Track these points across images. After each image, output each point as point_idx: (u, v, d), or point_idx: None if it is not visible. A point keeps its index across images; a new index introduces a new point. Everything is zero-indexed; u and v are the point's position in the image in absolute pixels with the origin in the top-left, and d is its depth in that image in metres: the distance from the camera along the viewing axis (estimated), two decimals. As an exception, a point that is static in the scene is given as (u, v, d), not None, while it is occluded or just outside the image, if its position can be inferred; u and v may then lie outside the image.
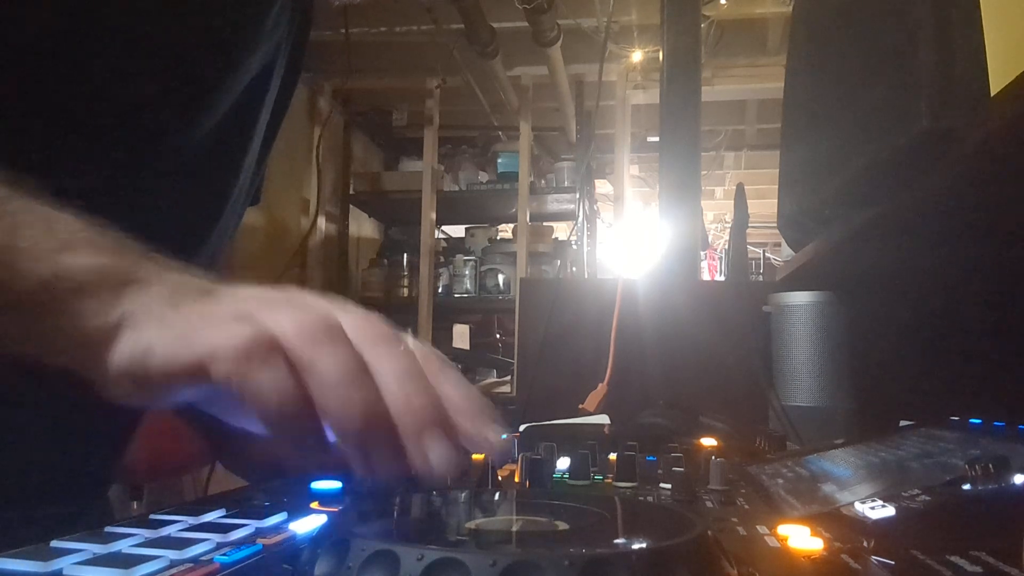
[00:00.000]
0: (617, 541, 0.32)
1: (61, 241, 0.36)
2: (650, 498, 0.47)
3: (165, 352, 0.34)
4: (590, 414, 1.13)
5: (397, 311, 3.62)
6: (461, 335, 3.83)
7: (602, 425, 0.94)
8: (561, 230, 3.82)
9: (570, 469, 0.52)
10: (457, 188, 3.44)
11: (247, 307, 0.35)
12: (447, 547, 0.26)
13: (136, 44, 0.48)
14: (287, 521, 0.35)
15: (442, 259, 3.53)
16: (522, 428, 0.82)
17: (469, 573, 0.24)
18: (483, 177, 3.49)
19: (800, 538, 0.34)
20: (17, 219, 0.35)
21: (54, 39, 0.44)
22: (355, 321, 0.35)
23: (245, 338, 0.33)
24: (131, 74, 0.48)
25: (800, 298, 1.00)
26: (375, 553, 0.26)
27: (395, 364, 0.34)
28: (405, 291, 3.49)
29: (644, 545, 0.29)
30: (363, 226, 3.84)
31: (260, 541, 0.31)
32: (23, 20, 0.43)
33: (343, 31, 2.91)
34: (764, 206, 3.79)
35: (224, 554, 0.29)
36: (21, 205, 0.36)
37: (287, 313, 0.34)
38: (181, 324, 0.34)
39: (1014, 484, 0.39)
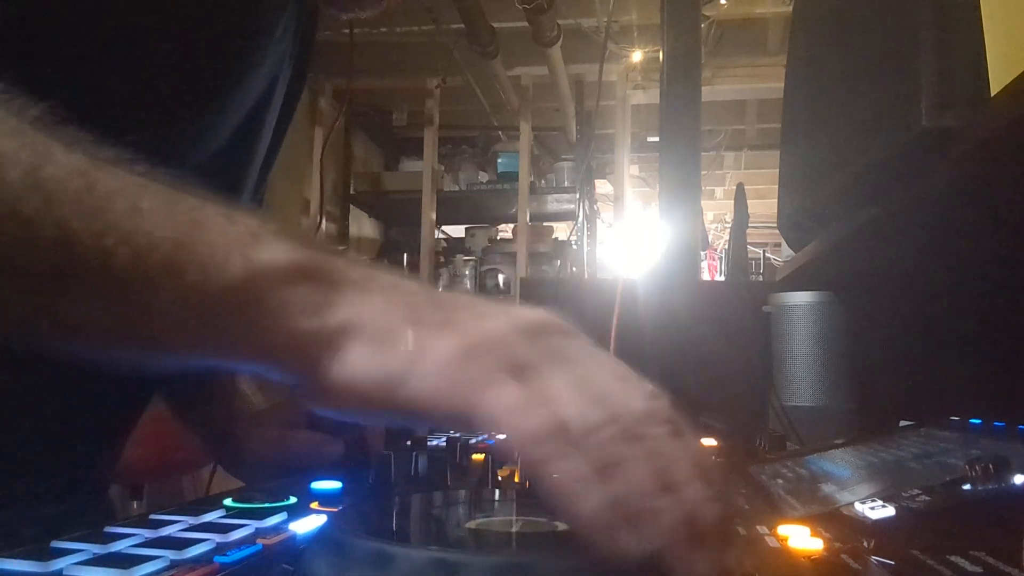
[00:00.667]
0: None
1: (248, 234, 0.33)
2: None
3: (429, 391, 0.31)
4: (590, 414, 1.13)
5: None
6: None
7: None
8: (561, 230, 3.82)
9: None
10: (457, 188, 3.44)
11: (516, 353, 0.32)
12: (442, 547, 0.26)
13: (145, 58, 0.47)
14: (287, 521, 0.35)
15: (442, 259, 3.53)
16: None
17: (461, 574, 0.24)
18: (483, 177, 3.49)
19: (800, 538, 0.34)
20: (195, 215, 0.33)
21: (64, 56, 0.44)
22: (652, 410, 0.32)
23: (538, 428, 0.29)
24: (140, 88, 0.47)
25: (800, 298, 1.00)
26: (370, 553, 0.26)
27: (682, 458, 0.31)
28: (405, 291, 3.49)
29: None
30: (363, 226, 3.84)
31: (260, 541, 0.31)
32: (33, 40, 0.43)
33: (346, 31, 2.91)
34: (764, 206, 3.79)
35: (224, 554, 0.29)
36: (195, 202, 0.33)
37: (577, 394, 0.31)
38: (443, 359, 0.31)
39: (1014, 484, 0.39)
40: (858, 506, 0.40)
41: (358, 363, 0.32)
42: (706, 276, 3.21)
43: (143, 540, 0.30)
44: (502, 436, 0.30)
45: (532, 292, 1.39)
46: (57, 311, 0.31)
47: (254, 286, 0.32)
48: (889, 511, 0.38)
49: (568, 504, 0.28)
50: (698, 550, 0.28)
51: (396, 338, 0.32)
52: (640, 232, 3.15)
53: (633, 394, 0.32)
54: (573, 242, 3.37)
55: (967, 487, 0.40)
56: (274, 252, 0.33)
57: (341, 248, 0.34)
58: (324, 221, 3.35)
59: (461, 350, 0.32)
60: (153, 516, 0.35)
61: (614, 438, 0.30)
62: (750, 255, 4.11)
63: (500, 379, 0.31)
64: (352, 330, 0.32)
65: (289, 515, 0.36)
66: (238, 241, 0.32)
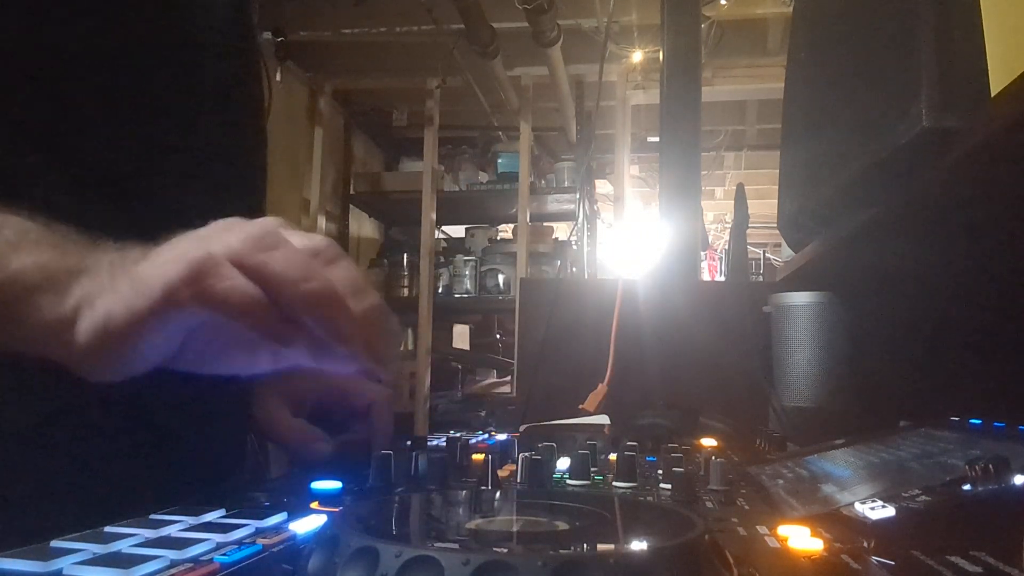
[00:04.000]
0: (613, 541, 0.32)
1: (9, 244, 0.39)
2: (650, 498, 0.47)
3: (123, 308, 0.37)
4: (590, 414, 1.13)
5: (397, 311, 3.62)
6: (461, 335, 3.83)
7: (602, 425, 0.94)
8: (561, 230, 3.82)
9: (570, 469, 0.52)
10: (457, 188, 3.44)
11: (187, 244, 0.38)
12: (426, 545, 0.26)
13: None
14: (287, 521, 0.35)
15: (442, 259, 3.53)
16: (522, 428, 0.82)
17: (443, 571, 0.25)
18: (483, 177, 3.49)
19: (800, 538, 0.34)
20: None
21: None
22: (298, 237, 0.40)
23: (193, 261, 0.36)
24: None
25: (800, 298, 1.00)
26: (358, 549, 0.26)
27: (341, 276, 0.39)
28: (405, 291, 3.50)
29: (642, 546, 0.29)
30: (363, 226, 3.85)
31: (260, 541, 0.31)
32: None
33: (346, 31, 2.92)
34: (764, 206, 3.79)
35: (224, 554, 0.29)
36: None
37: (228, 233, 0.38)
38: (129, 280, 0.37)
39: (1014, 484, 0.39)
40: (858, 506, 0.40)
41: (84, 326, 0.38)
42: (706, 276, 3.21)
43: (143, 540, 0.30)
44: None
45: (532, 292, 1.39)
46: None
47: (9, 293, 0.38)
48: (889, 511, 0.38)
49: (239, 313, 0.36)
50: (342, 322, 0.38)
51: (101, 286, 0.38)
52: (640, 232, 3.15)
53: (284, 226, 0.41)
54: (573, 242, 3.37)
55: (967, 487, 0.40)
56: (25, 259, 0.38)
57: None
58: (324, 221, 3.35)
59: (146, 266, 0.38)
60: (153, 516, 0.35)
61: (254, 247, 0.38)
62: (750, 255, 4.11)
63: (173, 261, 0.37)
64: (81, 303, 0.38)
65: (289, 515, 0.36)
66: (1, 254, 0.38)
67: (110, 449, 0.49)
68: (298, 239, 0.40)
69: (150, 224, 0.41)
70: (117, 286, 0.38)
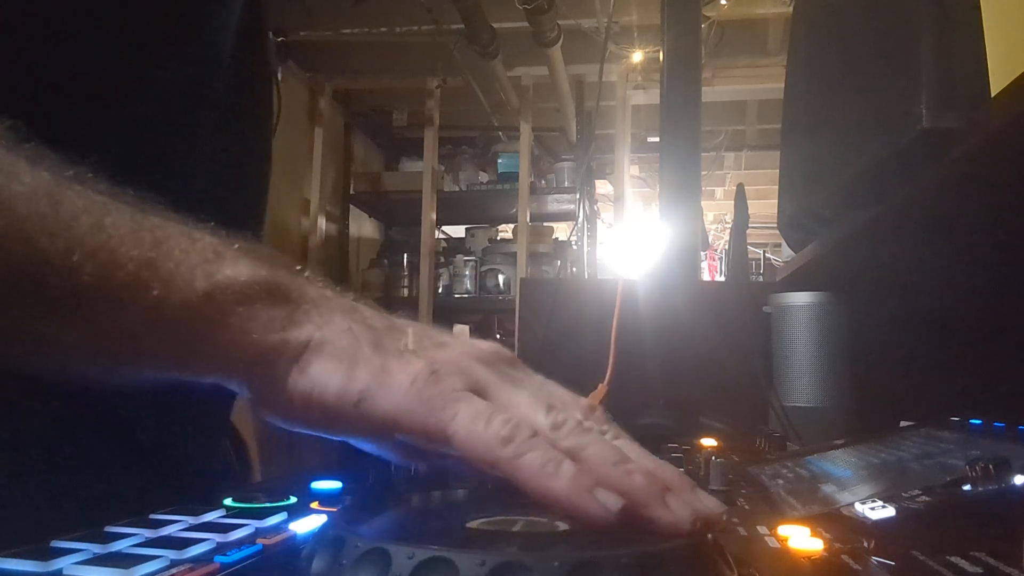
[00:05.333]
0: (614, 541, 0.32)
1: (212, 251, 0.34)
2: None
3: (394, 407, 0.33)
4: (590, 414, 1.13)
5: (397, 311, 3.62)
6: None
7: (602, 425, 0.94)
8: (561, 230, 3.83)
9: (570, 469, 0.52)
10: (457, 188, 3.44)
11: (477, 376, 0.35)
12: (439, 546, 0.26)
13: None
14: (287, 521, 0.35)
15: (442, 259, 3.53)
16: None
17: (459, 572, 0.24)
18: (483, 177, 3.49)
19: (800, 539, 0.34)
20: (158, 234, 0.33)
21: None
22: (596, 415, 0.38)
23: (505, 426, 0.32)
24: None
25: (800, 299, 1.00)
26: (368, 551, 0.26)
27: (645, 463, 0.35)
28: (405, 291, 3.50)
29: (640, 547, 0.29)
30: (363, 226, 3.85)
31: (260, 541, 0.31)
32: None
33: (346, 31, 2.92)
34: (764, 206, 3.79)
35: (224, 554, 0.29)
36: (158, 221, 0.34)
37: (531, 401, 0.35)
38: (410, 378, 0.34)
39: (1014, 485, 0.39)
40: (858, 506, 0.40)
41: (322, 377, 0.34)
42: (706, 276, 3.21)
43: (143, 540, 0.30)
44: (467, 452, 0.33)
45: (532, 292, 1.39)
46: (23, 327, 0.32)
47: (216, 302, 0.33)
48: (889, 511, 0.38)
49: (543, 486, 0.31)
50: (667, 497, 0.32)
51: (360, 356, 0.34)
52: (640, 232, 3.15)
53: (578, 404, 0.38)
54: (573, 242, 3.38)
55: (967, 488, 0.40)
56: (236, 269, 0.34)
57: (298, 267, 0.38)
58: (324, 221, 3.36)
59: (427, 370, 0.34)
60: (153, 516, 0.35)
61: (572, 431, 0.34)
62: (750, 255, 4.11)
63: (465, 395, 0.34)
64: (316, 345, 0.34)
65: (289, 515, 0.36)
66: (200, 258, 0.34)
67: (109, 450, 0.49)
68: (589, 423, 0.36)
69: None
70: (385, 366, 0.34)
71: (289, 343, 0.34)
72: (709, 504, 0.32)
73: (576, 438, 0.34)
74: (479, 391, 0.34)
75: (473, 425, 0.32)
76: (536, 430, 0.33)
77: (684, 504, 0.32)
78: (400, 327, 0.37)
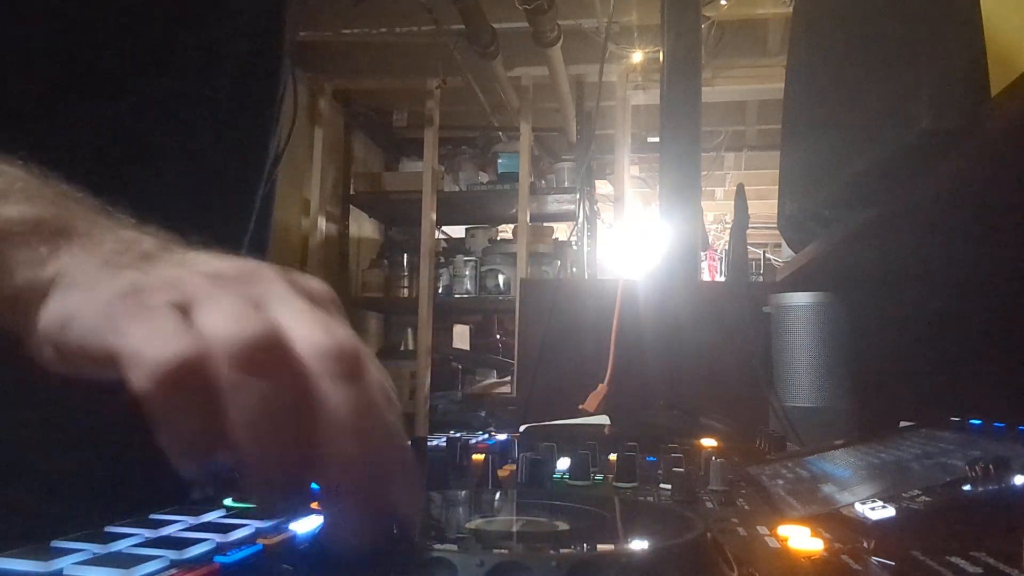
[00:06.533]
0: (614, 541, 0.32)
1: None
2: (650, 499, 0.47)
3: (82, 328, 0.29)
4: (590, 414, 1.13)
5: (397, 311, 3.63)
6: (461, 335, 3.83)
7: (602, 425, 0.94)
8: (561, 230, 3.82)
9: (570, 469, 0.52)
10: (457, 188, 3.44)
11: (189, 290, 0.30)
12: (440, 547, 0.26)
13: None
14: (287, 521, 0.35)
15: (442, 259, 3.53)
16: (522, 428, 0.82)
17: (456, 572, 0.25)
18: (483, 177, 3.49)
19: (800, 539, 0.34)
20: None
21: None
22: (313, 334, 0.29)
23: (169, 353, 0.27)
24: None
25: (800, 299, 1.00)
26: (366, 552, 0.26)
27: (347, 407, 0.28)
28: (405, 291, 3.50)
29: (640, 547, 0.29)
30: (363, 226, 3.85)
31: (260, 541, 0.31)
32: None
33: (345, 31, 2.92)
34: (764, 206, 3.79)
35: (224, 554, 0.29)
36: None
37: (230, 315, 0.29)
38: (107, 297, 0.30)
39: (1014, 485, 0.39)
40: (858, 507, 0.40)
41: (50, 311, 0.31)
42: (706, 277, 3.21)
43: (143, 540, 0.30)
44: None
45: (532, 292, 1.39)
46: None
47: None
48: (889, 512, 0.38)
49: (173, 438, 0.27)
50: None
51: (81, 279, 0.31)
52: (640, 233, 3.15)
53: (302, 310, 0.30)
54: (573, 242, 3.37)
55: (967, 488, 0.40)
56: (10, 208, 0.32)
57: (107, 209, 0.35)
58: (324, 221, 3.36)
59: (130, 283, 0.30)
60: (153, 516, 0.35)
61: (253, 359, 0.28)
62: (750, 256, 4.11)
63: (154, 312, 0.29)
64: (59, 278, 0.31)
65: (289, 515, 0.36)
66: None
67: (108, 450, 0.49)
68: (308, 333, 0.29)
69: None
70: (97, 286, 0.30)
71: (39, 279, 0.31)
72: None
73: (250, 366, 0.27)
74: (185, 308, 0.29)
75: (142, 346, 0.28)
76: (206, 353, 0.28)
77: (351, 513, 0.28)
78: (159, 251, 0.33)
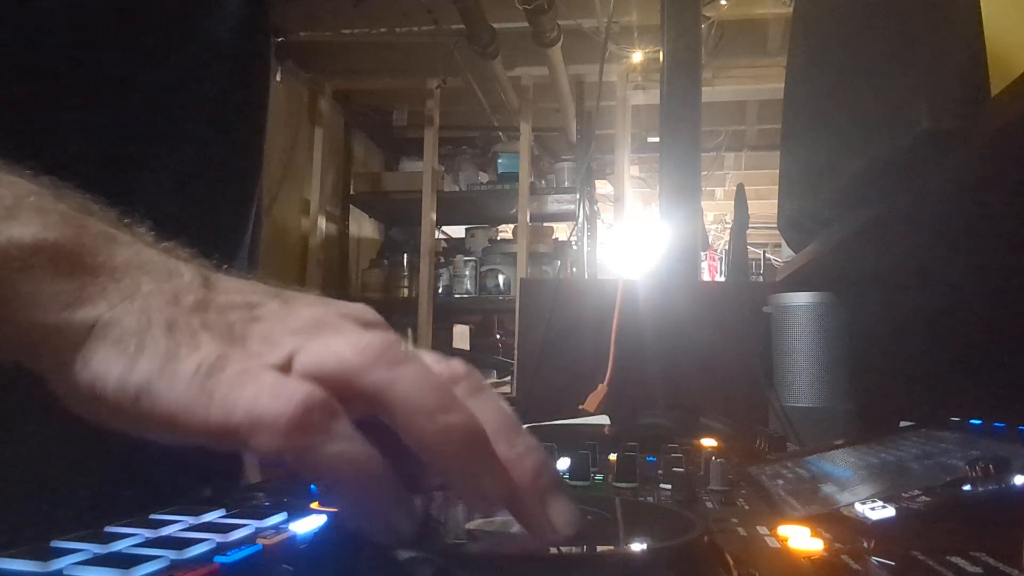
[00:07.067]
0: (614, 542, 0.32)
1: (3, 207, 0.29)
2: (650, 499, 0.47)
3: (175, 402, 0.27)
4: (590, 414, 1.13)
5: (397, 311, 3.63)
6: (461, 335, 3.83)
7: (602, 425, 0.94)
8: (561, 230, 3.83)
9: (570, 469, 0.52)
10: (457, 188, 3.44)
11: (284, 345, 0.29)
12: (440, 547, 0.26)
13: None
14: (287, 521, 0.35)
15: (442, 259, 3.53)
16: (522, 428, 0.82)
17: (458, 572, 0.25)
18: (483, 177, 3.49)
19: (800, 539, 0.34)
20: None
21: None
22: (422, 352, 0.31)
23: (300, 404, 0.26)
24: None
25: (800, 299, 1.00)
26: (366, 552, 0.26)
27: (490, 410, 0.30)
28: (405, 291, 3.50)
29: (640, 547, 0.29)
30: (363, 226, 3.85)
31: (260, 541, 0.31)
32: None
33: (345, 31, 2.92)
34: (764, 206, 3.79)
35: (224, 554, 0.29)
36: None
37: (338, 338, 0.29)
38: (194, 365, 0.28)
39: (1014, 485, 0.39)
40: (858, 507, 0.40)
41: (100, 366, 0.28)
42: (706, 276, 3.21)
43: (143, 540, 0.30)
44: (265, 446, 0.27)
45: (532, 292, 1.39)
46: None
47: None
48: (889, 512, 0.38)
49: (336, 484, 0.27)
50: (487, 477, 0.28)
51: (147, 340, 0.28)
52: (640, 233, 3.15)
53: (419, 352, 0.30)
54: (573, 242, 3.37)
55: (967, 488, 0.40)
56: (23, 230, 0.28)
57: (124, 221, 0.32)
58: (324, 221, 3.36)
59: (216, 353, 0.28)
60: (153, 516, 0.35)
61: (375, 363, 0.28)
62: (750, 255, 4.11)
63: (258, 373, 0.28)
64: (101, 328, 0.28)
65: (289, 515, 0.36)
66: None
67: (108, 450, 0.49)
68: (430, 357, 0.30)
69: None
70: (173, 352, 0.28)
71: (72, 325, 0.28)
72: (558, 512, 0.28)
73: (387, 368, 0.28)
74: (284, 366, 0.28)
75: (262, 410, 0.26)
76: (337, 378, 0.28)
77: (501, 485, 0.28)
78: (213, 297, 0.30)
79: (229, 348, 0.28)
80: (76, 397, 0.28)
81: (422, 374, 0.28)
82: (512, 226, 3.56)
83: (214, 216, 0.56)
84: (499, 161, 3.47)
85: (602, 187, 3.94)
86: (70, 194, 0.31)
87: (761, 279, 3.62)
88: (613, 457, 0.54)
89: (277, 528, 0.34)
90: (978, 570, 0.29)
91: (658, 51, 1.76)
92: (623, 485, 0.50)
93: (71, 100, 0.47)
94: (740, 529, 0.38)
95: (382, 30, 2.97)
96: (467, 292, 3.42)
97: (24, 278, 0.28)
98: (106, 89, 0.49)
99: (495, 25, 2.72)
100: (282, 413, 0.26)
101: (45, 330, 0.28)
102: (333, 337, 0.29)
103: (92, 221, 0.31)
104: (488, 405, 0.30)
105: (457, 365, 0.31)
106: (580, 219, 3.24)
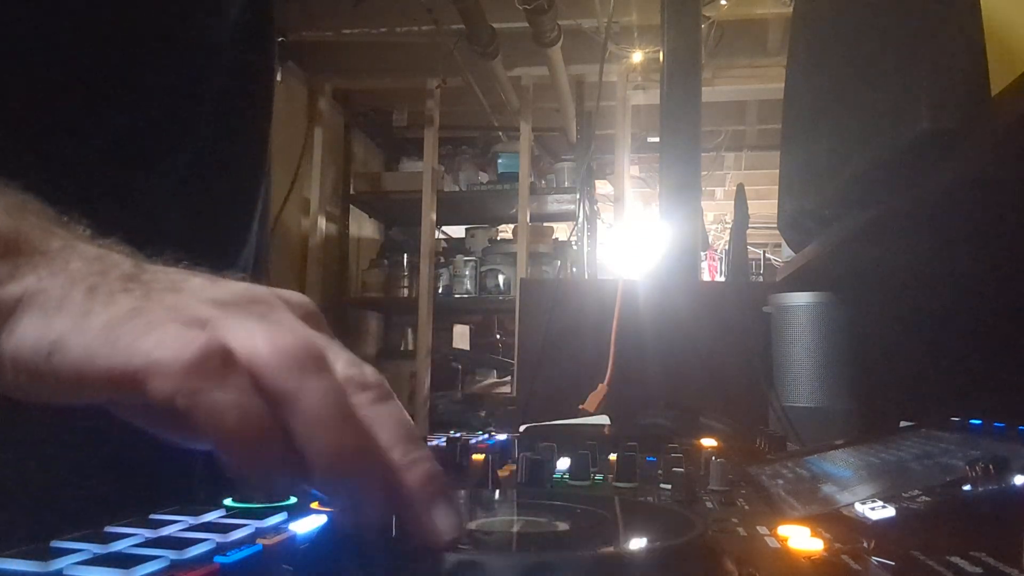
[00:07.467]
0: (614, 542, 0.32)
1: None
2: (650, 499, 0.47)
3: (83, 352, 0.28)
4: (590, 414, 1.13)
5: (397, 311, 3.63)
6: (461, 335, 3.83)
7: (602, 425, 0.94)
8: (561, 230, 3.82)
9: (570, 469, 0.52)
10: (457, 188, 3.44)
11: (199, 310, 0.29)
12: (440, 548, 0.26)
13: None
14: (287, 521, 0.35)
15: (442, 259, 3.53)
16: (522, 428, 0.82)
17: (456, 574, 0.25)
18: (483, 177, 3.49)
19: (800, 539, 0.34)
20: None
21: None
22: (339, 355, 0.31)
23: (198, 349, 0.27)
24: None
25: (800, 299, 1.00)
26: (366, 552, 0.26)
27: (389, 420, 0.30)
28: (405, 291, 3.50)
29: (643, 546, 0.29)
30: (363, 226, 3.85)
31: (260, 541, 0.31)
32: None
33: (346, 31, 2.92)
34: (764, 206, 3.79)
35: (224, 554, 0.29)
36: None
37: (257, 328, 0.29)
38: (106, 318, 0.28)
39: (1014, 485, 0.39)
40: (858, 507, 0.40)
41: (23, 331, 0.29)
42: (706, 276, 3.21)
43: (143, 540, 0.30)
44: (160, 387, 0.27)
45: (532, 292, 1.39)
46: None
47: None
48: (889, 512, 0.38)
49: (220, 435, 0.27)
50: (366, 479, 0.28)
51: (67, 303, 0.29)
52: (640, 233, 3.15)
53: (336, 356, 0.30)
54: (573, 242, 3.37)
55: (967, 488, 0.40)
56: None
57: (64, 218, 0.33)
58: (324, 221, 3.36)
59: (129, 307, 0.29)
60: (153, 516, 0.35)
61: (297, 362, 0.28)
62: (750, 255, 4.11)
63: (164, 324, 0.28)
64: (28, 298, 0.29)
65: (289, 515, 0.36)
66: None
67: (108, 450, 0.49)
68: (342, 362, 0.30)
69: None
70: (88, 308, 0.29)
71: (2, 299, 0.29)
72: (441, 517, 0.28)
73: (290, 379, 0.28)
74: (192, 323, 0.29)
75: (160, 353, 0.27)
76: (238, 356, 0.28)
77: (372, 492, 0.28)
78: (141, 271, 0.31)
79: (144, 303, 0.29)
80: (3, 373, 0.29)
81: (325, 387, 0.28)
82: (512, 226, 3.56)
83: (216, 218, 0.56)
84: (499, 161, 3.47)
85: (602, 187, 3.94)
86: (11, 192, 0.32)
87: (761, 279, 3.62)
88: (613, 457, 0.54)
89: (277, 528, 0.34)
90: (978, 570, 0.29)
91: (658, 51, 1.76)
92: (623, 485, 0.50)
93: (75, 102, 0.47)
94: (740, 529, 0.38)
95: (382, 30, 2.97)
96: (467, 292, 3.42)
97: None
98: (109, 91, 0.49)
99: (495, 25, 2.72)
100: (179, 357, 0.27)
101: None
102: (255, 322, 0.29)
103: (30, 215, 0.32)
104: (389, 414, 0.30)
105: (369, 373, 0.31)
106: (580, 219, 3.24)
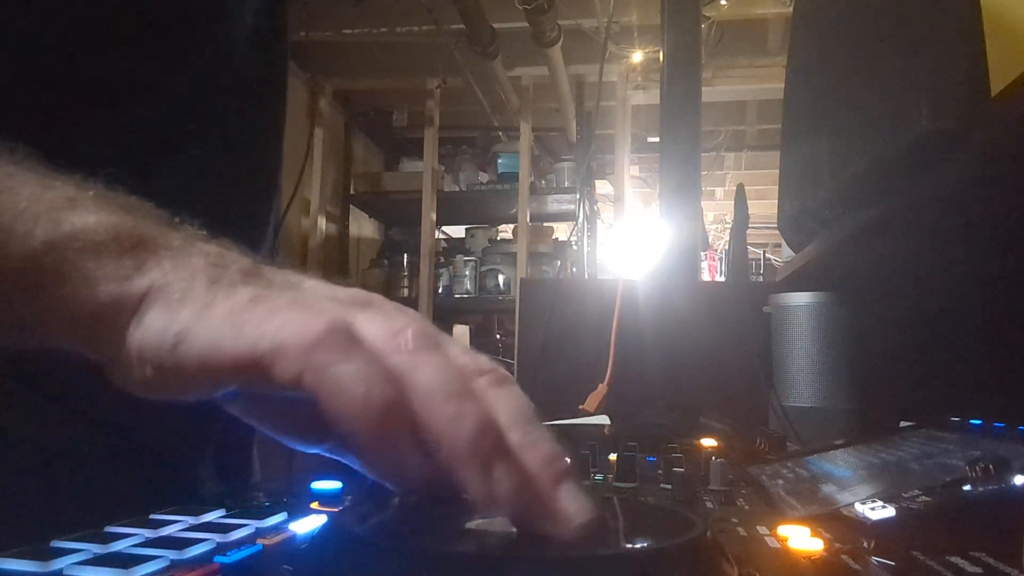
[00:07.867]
0: (614, 542, 0.32)
1: (64, 198, 0.30)
2: (650, 499, 0.47)
3: (207, 340, 0.28)
4: (590, 414, 1.13)
5: (397, 311, 3.63)
6: (461, 335, 3.83)
7: (602, 425, 0.94)
8: (561, 230, 3.83)
9: (570, 469, 0.52)
10: (457, 188, 3.45)
11: (319, 302, 0.31)
12: (440, 547, 0.26)
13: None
14: (287, 521, 0.35)
15: (442, 259, 3.53)
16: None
17: (457, 573, 0.25)
18: (483, 177, 3.50)
19: (800, 539, 0.34)
20: (7, 181, 0.30)
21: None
22: (453, 344, 0.31)
23: (322, 326, 0.28)
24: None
25: (800, 299, 1.00)
26: (366, 552, 0.26)
27: (509, 402, 0.30)
28: (405, 291, 3.50)
29: (643, 546, 0.29)
30: (363, 226, 3.85)
31: (260, 541, 0.31)
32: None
33: (346, 32, 2.92)
34: (764, 206, 3.80)
35: (224, 554, 0.29)
36: (11, 168, 0.31)
37: (373, 314, 0.30)
38: (229, 307, 0.29)
39: (1014, 485, 0.39)
40: (858, 507, 0.40)
41: (149, 323, 0.29)
42: (706, 276, 3.21)
43: (143, 540, 0.30)
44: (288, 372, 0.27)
45: (532, 292, 1.39)
46: None
47: (59, 252, 0.29)
48: (889, 512, 0.38)
49: (339, 410, 0.27)
50: (497, 461, 0.27)
51: (190, 295, 0.30)
52: (640, 233, 3.15)
53: (450, 344, 0.31)
54: (573, 242, 3.38)
55: (967, 488, 0.40)
56: (86, 218, 0.30)
57: (175, 219, 0.34)
58: (324, 221, 3.36)
59: (252, 297, 0.29)
60: (153, 516, 0.35)
61: (412, 343, 0.29)
62: (750, 255, 4.12)
63: (283, 309, 0.29)
64: (155, 292, 0.30)
65: (289, 515, 0.36)
66: (49, 206, 0.30)
67: (108, 450, 0.49)
68: (457, 349, 0.31)
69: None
70: (211, 300, 0.29)
71: (129, 294, 0.30)
72: (569, 500, 0.28)
73: (411, 355, 0.28)
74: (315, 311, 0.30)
75: (285, 334, 0.28)
76: (362, 336, 0.28)
77: (511, 473, 0.27)
78: (258, 268, 0.32)
79: (265, 292, 0.30)
80: (125, 366, 0.30)
81: (444, 363, 0.29)
82: (512, 226, 3.56)
83: (229, 221, 0.56)
84: (499, 161, 3.47)
85: (602, 187, 3.94)
86: (123, 194, 0.33)
87: (761, 279, 3.62)
88: (613, 457, 0.54)
89: (277, 528, 0.34)
90: (978, 570, 0.29)
91: (658, 51, 1.76)
92: (623, 485, 0.50)
93: (91, 105, 0.48)
94: (740, 529, 0.38)
95: (382, 30, 2.98)
96: (467, 292, 3.42)
97: (89, 256, 0.29)
98: (125, 94, 0.49)
99: (495, 25, 2.72)
100: (304, 336, 0.27)
101: (104, 301, 0.29)
102: (372, 312, 0.31)
103: (147, 213, 0.33)
104: (507, 396, 0.30)
105: (483, 359, 0.32)
106: (580, 219, 3.24)
